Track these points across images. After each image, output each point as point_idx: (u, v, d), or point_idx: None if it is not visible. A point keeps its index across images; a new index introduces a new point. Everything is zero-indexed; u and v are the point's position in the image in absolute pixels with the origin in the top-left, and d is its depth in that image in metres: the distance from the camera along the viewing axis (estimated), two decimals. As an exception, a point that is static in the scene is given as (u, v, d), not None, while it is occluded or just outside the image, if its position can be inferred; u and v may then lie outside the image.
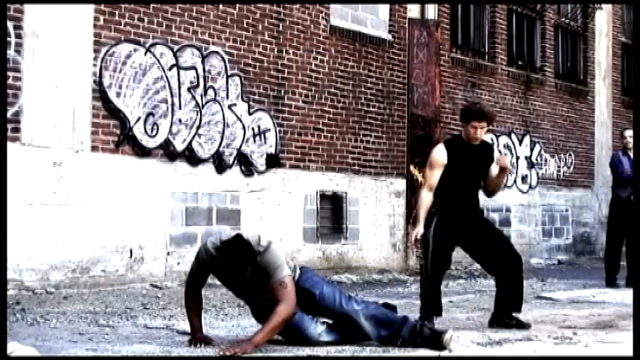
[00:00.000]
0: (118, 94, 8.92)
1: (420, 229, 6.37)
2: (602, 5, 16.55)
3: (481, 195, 6.69)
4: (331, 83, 11.31)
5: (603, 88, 17.12)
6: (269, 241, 5.19)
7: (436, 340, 5.19)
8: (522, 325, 6.38)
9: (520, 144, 14.76)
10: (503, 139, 14.29)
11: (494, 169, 6.59)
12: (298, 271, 5.43)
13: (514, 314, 6.49)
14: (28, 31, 8.19)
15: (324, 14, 11.23)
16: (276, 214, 10.50)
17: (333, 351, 5.06)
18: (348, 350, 5.18)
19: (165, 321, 6.59)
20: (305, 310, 5.32)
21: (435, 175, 6.45)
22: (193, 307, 5.37)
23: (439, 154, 6.49)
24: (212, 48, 9.85)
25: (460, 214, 6.47)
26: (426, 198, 6.44)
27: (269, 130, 10.48)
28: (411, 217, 12.13)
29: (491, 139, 13.14)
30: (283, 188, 10.64)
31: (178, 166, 9.52)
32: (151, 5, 9.25)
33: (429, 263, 6.47)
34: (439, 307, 6.43)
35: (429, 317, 6.29)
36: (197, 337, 5.30)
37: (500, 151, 6.59)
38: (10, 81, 8.04)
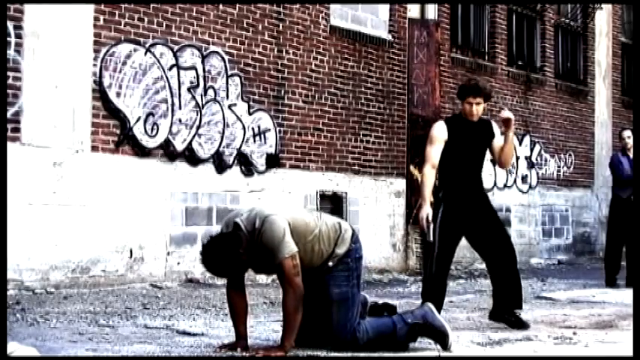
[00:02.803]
0: (118, 94, 8.92)
1: (427, 209, 6.26)
2: (602, 5, 16.55)
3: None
4: (331, 83, 11.30)
5: (603, 88, 17.12)
6: (264, 218, 4.83)
7: (441, 337, 5.11)
8: (521, 323, 6.37)
9: (520, 144, 14.75)
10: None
11: (499, 140, 6.57)
12: (345, 248, 5.05)
13: (515, 311, 6.48)
14: (28, 31, 8.18)
15: (324, 14, 11.23)
16: (276, 214, 10.48)
17: (332, 351, 5.06)
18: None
19: (165, 321, 6.58)
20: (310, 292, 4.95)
21: (435, 151, 6.41)
22: (233, 308, 5.07)
23: (439, 129, 6.48)
24: (212, 48, 9.84)
25: (466, 198, 6.42)
26: (429, 175, 6.36)
27: (269, 130, 10.48)
28: (411, 217, 12.17)
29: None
30: (283, 188, 10.63)
31: (178, 166, 9.51)
32: (151, 5, 9.24)
33: (434, 262, 6.42)
34: (439, 306, 6.35)
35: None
36: (240, 344, 4.99)
37: (501, 108, 6.61)
38: (10, 81, 8.04)
